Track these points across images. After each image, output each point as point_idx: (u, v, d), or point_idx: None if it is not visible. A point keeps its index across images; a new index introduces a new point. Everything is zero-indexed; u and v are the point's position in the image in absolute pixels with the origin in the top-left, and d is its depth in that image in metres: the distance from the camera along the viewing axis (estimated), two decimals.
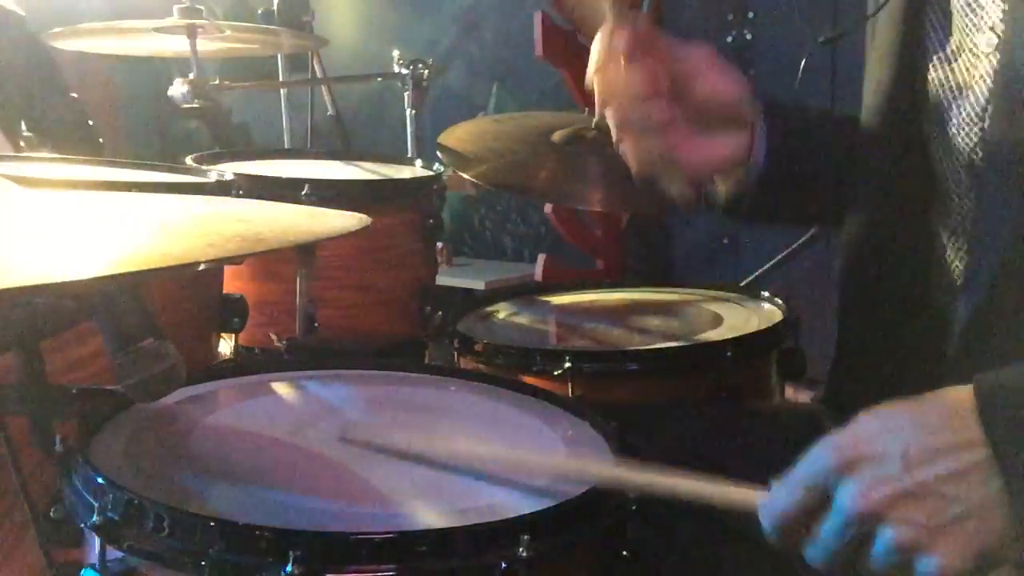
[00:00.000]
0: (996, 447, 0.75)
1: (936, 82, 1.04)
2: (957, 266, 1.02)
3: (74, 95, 2.18)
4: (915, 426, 0.78)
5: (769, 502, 0.82)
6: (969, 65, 1.00)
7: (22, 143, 1.93)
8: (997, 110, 0.94)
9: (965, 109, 1.00)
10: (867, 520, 0.77)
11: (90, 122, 2.19)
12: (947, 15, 1.03)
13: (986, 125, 0.97)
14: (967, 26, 1.00)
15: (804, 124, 1.21)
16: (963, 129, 1.00)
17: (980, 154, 0.98)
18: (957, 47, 1.01)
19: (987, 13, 0.97)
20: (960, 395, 0.78)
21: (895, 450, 0.77)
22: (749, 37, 3.21)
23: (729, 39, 3.25)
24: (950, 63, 1.02)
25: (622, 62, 1.03)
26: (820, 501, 0.79)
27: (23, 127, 1.95)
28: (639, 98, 1.06)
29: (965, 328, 0.96)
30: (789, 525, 0.81)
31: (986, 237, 0.94)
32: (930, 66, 1.04)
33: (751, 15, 3.20)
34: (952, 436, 0.77)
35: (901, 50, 1.07)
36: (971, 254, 0.98)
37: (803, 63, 2.80)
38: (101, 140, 2.17)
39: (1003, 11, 0.95)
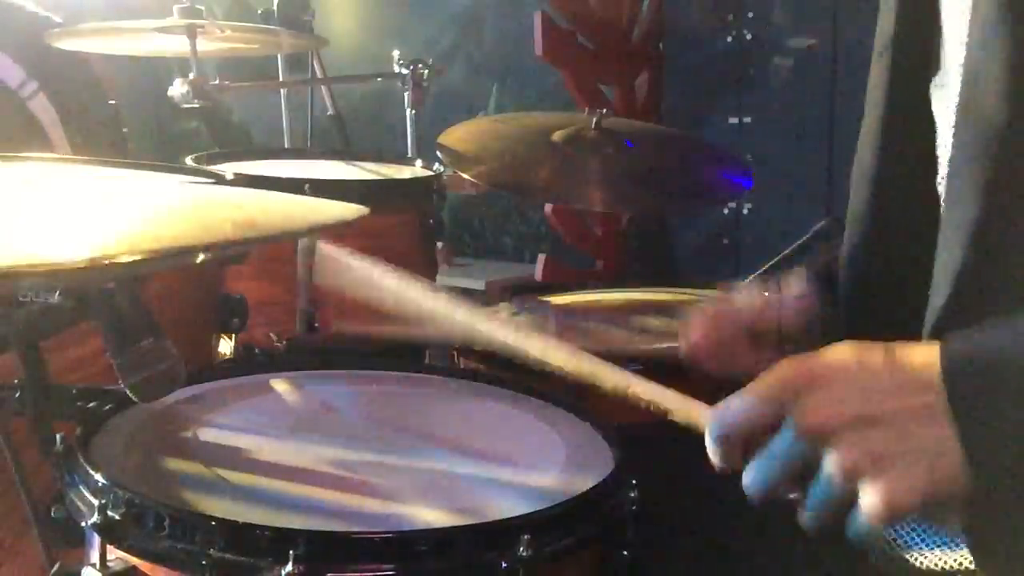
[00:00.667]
0: (959, 419, 0.74)
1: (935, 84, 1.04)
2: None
3: (112, 101, 2.20)
4: (885, 365, 0.77)
5: (721, 411, 0.80)
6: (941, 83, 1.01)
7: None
8: (958, 119, 0.95)
9: (943, 119, 1.00)
10: (816, 439, 0.75)
11: (124, 129, 2.21)
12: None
13: (951, 143, 0.98)
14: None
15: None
16: (943, 138, 1.01)
17: (948, 168, 0.98)
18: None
19: (954, 36, 0.97)
20: (927, 360, 0.77)
21: (859, 378, 0.76)
22: (749, 37, 3.21)
23: (729, 39, 3.25)
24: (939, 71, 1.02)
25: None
26: (772, 417, 0.78)
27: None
28: None
29: (933, 330, 0.96)
30: (736, 437, 0.79)
31: (948, 240, 0.94)
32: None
33: (751, 15, 3.20)
34: (914, 384, 0.76)
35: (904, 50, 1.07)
36: (938, 254, 0.99)
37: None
38: (129, 145, 2.20)
39: (965, 39, 0.95)
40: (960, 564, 1.01)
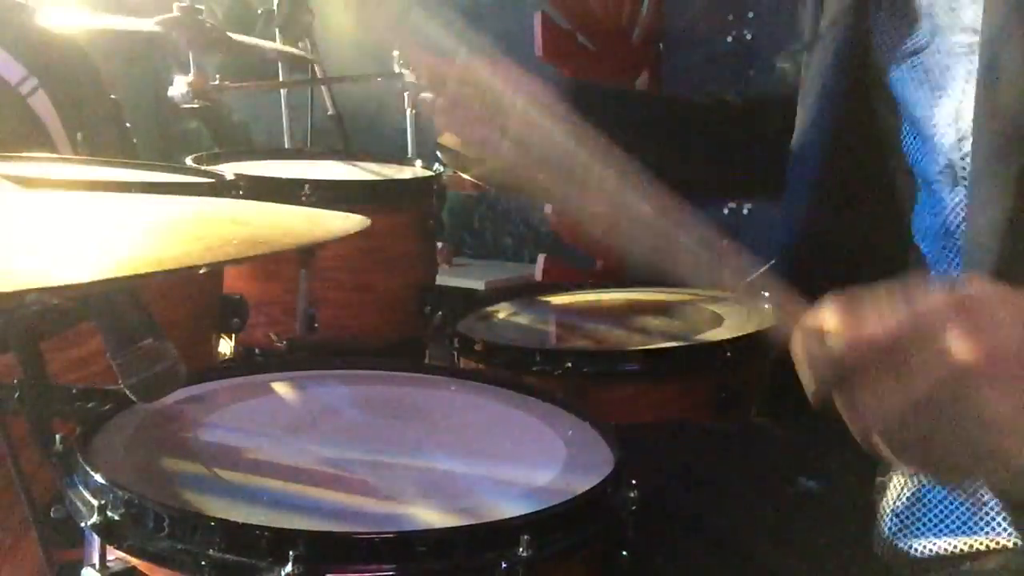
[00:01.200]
0: None
1: (903, 84, 1.05)
2: (950, 260, 1.03)
3: (113, 97, 2.20)
4: None
5: (852, 330, 0.72)
6: (943, 66, 1.01)
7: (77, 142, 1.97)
8: (977, 109, 0.95)
9: (942, 108, 1.00)
10: (930, 325, 0.68)
11: (127, 124, 2.21)
12: (903, 15, 1.04)
13: (964, 124, 0.98)
14: (942, 26, 1.01)
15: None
16: (941, 128, 1.01)
17: (961, 151, 0.98)
18: (926, 47, 1.02)
19: (963, 13, 0.98)
20: None
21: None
22: (749, 37, 3.21)
23: (729, 39, 3.25)
24: (918, 64, 1.03)
25: None
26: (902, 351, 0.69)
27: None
28: None
29: None
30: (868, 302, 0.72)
31: (979, 229, 0.95)
32: (892, 69, 1.05)
33: (751, 15, 3.19)
34: None
35: (851, 59, 1.08)
36: (965, 249, 0.98)
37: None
38: (135, 141, 2.20)
39: (977, 12, 0.96)
40: (962, 550, 1.01)
